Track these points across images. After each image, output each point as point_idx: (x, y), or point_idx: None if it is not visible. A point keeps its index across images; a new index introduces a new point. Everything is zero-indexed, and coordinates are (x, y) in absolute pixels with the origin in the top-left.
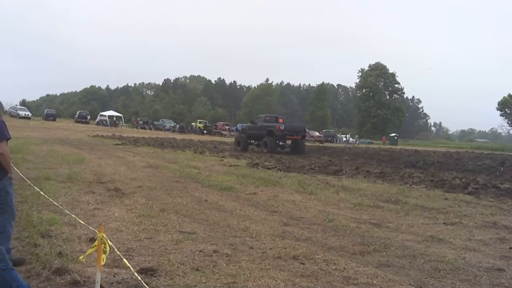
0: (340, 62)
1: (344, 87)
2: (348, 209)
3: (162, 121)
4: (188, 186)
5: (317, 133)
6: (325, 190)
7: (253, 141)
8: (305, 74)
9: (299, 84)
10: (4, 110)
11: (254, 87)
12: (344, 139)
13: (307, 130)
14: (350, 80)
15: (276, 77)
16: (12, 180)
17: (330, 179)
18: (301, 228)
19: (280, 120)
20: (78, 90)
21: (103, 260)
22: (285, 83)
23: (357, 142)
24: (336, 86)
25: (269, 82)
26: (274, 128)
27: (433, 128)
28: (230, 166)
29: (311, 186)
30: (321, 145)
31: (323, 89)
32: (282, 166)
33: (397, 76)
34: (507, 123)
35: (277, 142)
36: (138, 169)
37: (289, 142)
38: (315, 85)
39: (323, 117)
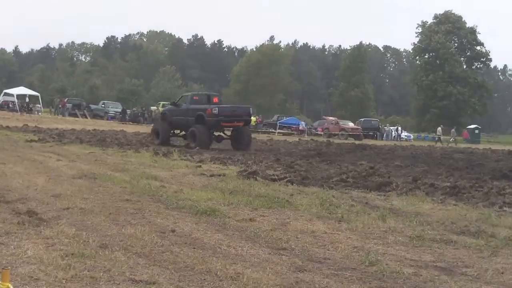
0: (389, 11)
1: (395, 51)
2: (400, 245)
3: (104, 104)
4: (144, 207)
5: (351, 124)
6: (364, 215)
7: (178, 131)
8: (332, 30)
9: (323, 46)
10: None
11: (251, 50)
12: (394, 133)
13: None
14: (405, 39)
15: (287, 35)
16: None
17: (371, 197)
18: (325, 275)
19: (215, 100)
20: None
21: None
22: (300, 44)
23: (452, 139)
24: (382, 49)
25: (275, 42)
26: (204, 112)
27: None
28: (212, 176)
29: (341, 208)
30: (358, 142)
31: (362, 53)
32: (295, 176)
33: (479, 33)
34: None
35: (211, 132)
36: (65, 180)
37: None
38: (349, 47)
39: (362, 98)
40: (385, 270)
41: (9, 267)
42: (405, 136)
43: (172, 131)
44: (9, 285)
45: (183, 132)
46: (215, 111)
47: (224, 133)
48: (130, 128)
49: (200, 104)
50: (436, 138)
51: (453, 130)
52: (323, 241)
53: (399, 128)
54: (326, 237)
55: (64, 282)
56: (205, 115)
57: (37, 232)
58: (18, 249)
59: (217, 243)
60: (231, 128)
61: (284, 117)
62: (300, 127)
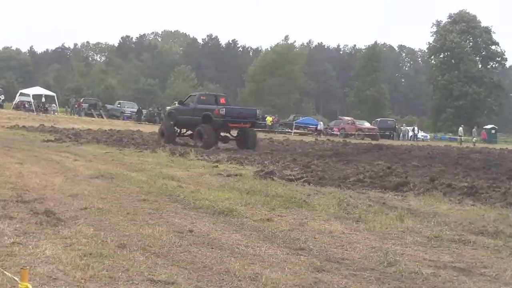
0: (403, 10)
1: (410, 50)
2: (418, 246)
3: (120, 103)
4: (162, 207)
5: (367, 124)
6: (381, 215)
7: (185, 131)
8: (347, 30)
9: (338, 46)
10: None
11: (266, 49)
12: (411, 133)
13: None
14: (420, 39)
15: (301, 34)
16: None
17: (389, 197)
18: (343, 275)
19: (222, 101)
20: None
21: None
22: (315, 44)
23: (475, 139)
24: (397, 49)
25: (290, 41)
26: (212, 112)
27: None
28: (229, 176)
29: (358, 208)
30: (374, 142)
31: (376, 53)
32: (313, 176)
33: (494, 33)
34: None
35: (218, 132)
36: (83, 180)
37: (234, 132)
38: (364, 47)
39: (377, 98)
40: (404, 270)
41: (27, 267)
42: (422, 136)
43: (179, 131)
44: (28, 284)
45: (190, 132)
46: (223, 111)
47: (230, 133)
48: (147, 128)
49: (208, 104)
50: (458, 139)
51: (474, 129)
52: (341, 242)
53: (416, 128)
54: (344, 237)
55: (82, 282)
56: (212, 115)
57: (55, 232)
58: (36, 249)
59: (235, 243)
60: (237, 129)
61: (300, 117)
62: (319, 127)
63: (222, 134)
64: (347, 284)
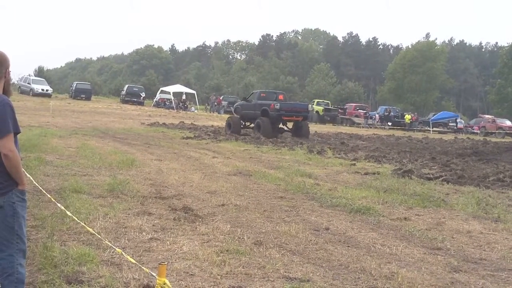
0: None
1: None
2: None
3: None
4: (298, 205)
5: (508, 122)
6: None
7: (248, 123)
8: (488, 28)
9: (480, 43)
10: (12, 82)
11: (407, 47)
12: None
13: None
14: None
15: (442, 32)
16: (25, 194)
17: None
18: (480, 276)
19: (280, 97)
20: (126, 53)
21: None
22: (456, 42)
23: None
24: None
25: (431, 39)
26: (268, 107)
27: None
28: (366, 174)
29: (497, 208)
30: None
31: None
32: (451, 175)
33: None
34: None
35: (275, 124)
36: (221, 177)
37: (290, 125)
38: (506, 44)
39: None
40: None
41: (165, 263)
42: None
43: (243, 123)
44: (166, 280)
45: (253, 124)
46: (277, 106)
47: (286, 126)
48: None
49: (267, 100)
50: None
51: None
52: (479, 242)
53: None
54: (482, 237)
55: (219, 278)
56: (269, 109)
57: (192, 228)
58: (174, 245)
59: (371, 241)
60: (292, 122)
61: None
62: (459, 125)
63: (278, 126)
64: (484, 284)
